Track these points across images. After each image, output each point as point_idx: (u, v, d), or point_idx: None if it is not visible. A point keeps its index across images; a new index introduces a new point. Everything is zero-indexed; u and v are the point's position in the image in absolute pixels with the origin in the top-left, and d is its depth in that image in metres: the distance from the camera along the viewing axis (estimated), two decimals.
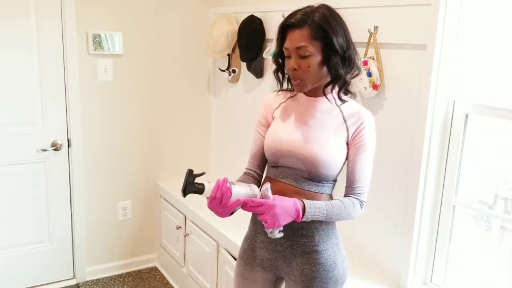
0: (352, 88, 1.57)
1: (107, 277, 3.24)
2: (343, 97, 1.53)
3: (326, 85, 1.50)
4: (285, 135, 1.54)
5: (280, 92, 1.66)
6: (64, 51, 2.82)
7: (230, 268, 2.35)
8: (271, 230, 1.40)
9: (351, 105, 1.54)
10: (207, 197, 1.41)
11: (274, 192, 1.44)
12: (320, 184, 1.53)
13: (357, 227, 2.14)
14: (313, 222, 1.51)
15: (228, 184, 1.39)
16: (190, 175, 1.39)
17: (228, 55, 2.98)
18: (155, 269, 3.39)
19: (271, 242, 1.58)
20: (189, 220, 2.86)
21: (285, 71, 1.57)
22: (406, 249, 1.96)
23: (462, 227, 1.96)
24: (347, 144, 1.52)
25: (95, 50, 2.90)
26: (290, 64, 1.46)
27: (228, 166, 3.25)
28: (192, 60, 3.26)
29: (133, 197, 3.26)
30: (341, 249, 1.59)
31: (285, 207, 1.39)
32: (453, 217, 1.92)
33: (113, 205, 3.19)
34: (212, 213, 1.43)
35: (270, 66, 2.58)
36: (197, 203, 2.50)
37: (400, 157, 1.97)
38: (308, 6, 1.47)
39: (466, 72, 1.83)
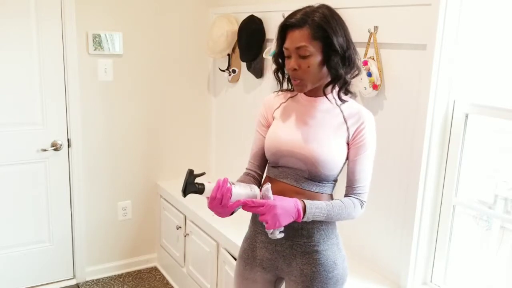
0: (352, 88, 1.58)
1: (107, 277, 3.24)
2: (343, 97, 1.53)
3: (326, 85, 1.50)
4: (285, 135, 1.54)
5: (281, 92, 1.66)
6: (64, 51, 2.82)
7: (230, 268, 2.35)
8: (272, 230, 1.40)
9: (351, 105, 1.54)
10: (207, 197, 1.41)
11: (274, 192, 1.44)
12: (320, 184, 1.53)
13: (357, 227, 2.14)
14: (313, 222, 1.51)
15: (229, 185, 1.39)
16: (191, 175, 1.39)
17: (228, 55, 2.98)
18: (155, 269, 3.39)
19: (271, 242, 1.58)
20: (189, 220, 2.86)
21: (285, 71, 1.57)
22: (406, 249, 1.96)
23: (462, 227, 1.96)
24: (348, 144, 1.52)
25: (95, 50, 2.90)
26: (290, 64, 1.46)
27: (228, 166, 3.25)
28: (192, 60, 3.26)
29: (133, 197, 3.26)
30: (341, 249, 1.59)
31: (286, 208, 1.39)
32: (453, 217, 1.92)
33: (113, 205, 3.19)
34: (212, 213, 1.43)
35: (270, 66, 2.58)
36: (197, 203, 2.50)
37: (400, 157, 1.97)
38: (308, 6, 1.47)
39: (466, 72, 1.83)
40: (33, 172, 2.89)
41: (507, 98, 1.74)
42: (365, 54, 2.01)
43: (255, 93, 2.86)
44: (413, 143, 1.90)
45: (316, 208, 1.44)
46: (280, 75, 1.59)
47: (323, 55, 1.44)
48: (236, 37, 2.85)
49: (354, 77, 1.54)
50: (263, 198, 1.42)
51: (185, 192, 1.40)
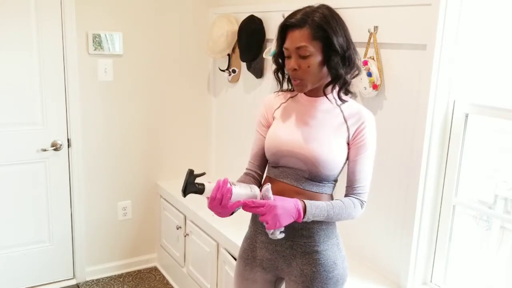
0: (352, 88, 1.58)
1: (107, 277, 3.24)
2: (343, 97, 1.53)
3: (327, 85, 1.50)
4: (286, 135, 1.54)
5: (281, 93, 1.66)
6: (64, 51, 2.82)
7: (230, 268, 2.35)
8: (272, 231, 1.40)
9: (351, 105, 1.54)
10: (207, 198, 1.41)
11: (274, 192, 1.44)
12: (320, 184, 1.53)
13: (357, 227, 2.14)
14: (313, 222, 1.50)
15: (229, 185, 1.39)
16: (191, 175, 1.39)
17: (228, 55, 2.98)
18: (155, 269, 3.39)
19: (271, 242, 1.58)
20: (189, 220, 2.86)
21: (285, 71, 1.57)
22: (406, 249, 1.96)
23: (462, 227, 1.96)
24: (348, 144, 1.52)
25: (95, 50, 2.90)
26: (290, 64, 1.46)
27: (228, 166, 3.25)
28: (192, 60, 3.26)
29: (133, 197, 3.26)
30: (341, 250, 1.59)
31: (286, 208, 1.39)
32: (453, 217, 1.92)
33: (113, 205, 3.19)
34: (212, 213, 1.43)
35: (270, 66, 2.58)
36: (197, 203, 2.50)
37: (400, 157, 1.97)
38: (308, 6, 1.47)
39: (466, 72, 1.83)
40: (33, 172, 2.89)
41: (507, 98, 1.74)
42: (365, 54, 2.01)
43: (255, 93, 2.86)
44: (413, 143, 1.90)
45: (316, 208, 1.44)
46: (280, 75, 1.59)
47: (323, 55, 1.44)
48: (236, 37, 2.85)
49: (354, 77, 1.54)
50: (263, 199, 1.41)
51: (185, 192, 1.39)
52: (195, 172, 1.40)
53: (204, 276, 2.72)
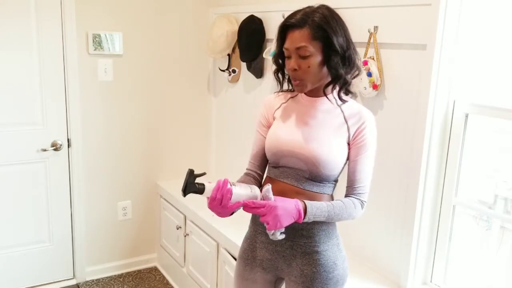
0: (353, 88, 1.58)
1: (107, 277, 3.24)
2: (344, 97, 1.53)
3: (327, 85, 1.50)
4: (286, 135, 1.54)
5: (281, 93, 1.66)
6: (64, 51, 2.83)
7: (230, 268, 2.35)
8: (273, 231, 1.39)
9: (351, 105, 1.54)
10: (208, 197, 1.41)
11: (275, 192, 1.44)
12: (321, 184, 1.53)
13: (357, 227, 2.14)
14: (313, 222, 1.50)
15: (229, 185, 1.39)
16: (191, 175, 1.39)
17: (228, 55, 2.98)
18: (155, 269, 3.39)
19: (271, 242, 1.58)
20: (189, 220, 2.86)
21: (286, 72, 1.57)
22: (406, 249, 1.96)
23: (462, 227, 1.96)
24: (348, 144, 1.52)
25: (95, 50, 2.90)
26: (290, 64, 1.46)
27: (228, 166, 3.25)
28: (192, 60, 3.26)
29: (133, 197, 3.26)
30: (341, 250, 1.59)
31: (287, 208, 1.39)
32: (453, 217, 1.92)
33: (113, 205, 3.19)
34: (212, 213, 1.43)
35: (270, 66, 2.58)
36: (197, 203, 2.50)
37: (400, 157, 1.97)
38: (308, 7, 1.47)
39: (466, 72, 1.83)
40: (33, 172, 2.89)
41: (507, 98, 1.74)
42: (365, 54, 2.01)
43: (255, 93, 2.86)
44: (413, 143, 1.90)
45: (317, 209, 1.44)
46: (280, 75, 1.59)
47: (323, 55, 1.44)
48: (236, 37, 2.85)
49: (354, 77, 1.54)
50: (263, 199, 1.41)
51: (185, 192, 1.39)
52: (195, 172, 1.40)
53: (204, 276, 2.72)
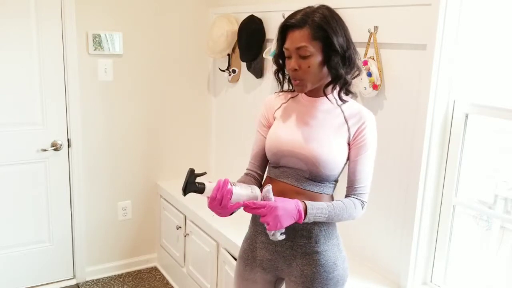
0: (353, 88, 1.58)
1: (107, 277, 3.24)
2: (344, 97, 1.53)
3: (327, 85, 1.50)
4: (286, 135, 1.54)
5: (281, 93, 1.66)
6: (64, 51, 2.83)
7: (230, 268, 2.35)
8: (273, 232, 1.39)
9: (352, 105, 1.54)
10: (208, 197, 1.41)
11: (275, 193, 1.44)
12: (321, 184, 1.53)
13: (357, 227, 2.14)
14: (313, 223, 1.50)
15: (229, 186, 1.39)
16: (191, 175, 1.39)
17: (228, 55, 2.98)
18: (155, 269, 3.39)
19: (271, 242, 1.58)
20: (189, 220, 2.86)
21: (286, 72, 1.57)
22: (406, 249, 1.96)
23: (462, 227, 1.96)
24: (348, 144, 1.52)
25: (95, 50, 2.90)
26: (291, 64, 1.46)
27: (228, 166, 3.25)
28: (192, 60, 3.26)
29: (133, 197, 3.26)
30: (341, 250, 1.59)
31: (287, 209, 1.39)
32: (453, 217, 1.92)
33: (113, 205, 3.19)
34: (212, 213, 1.43)
35: (270, 66, 2.58)
36: (197, 203, 2.50)
37: (400, 157, 1.97)
38: (308, 7, 1.47)
39: (466, 72, 1.83)
40: (33, 172, 2.89)
41: (507, 98, 1.74)
42: (365, 54, 2.01)
43: (255, 93, 2.86)
44: (413, 143, 1.90)
45: (317, 209, 1.44)
46: (280, 75, 1.59)
47: (323, 55, 1.44)
48: (236, 37, 2.85)
49: (354, 77, 1.54)
50: (264, 199, 1.41)
51: (185, 191, 1.39)
52: (195, 172, 1.40)
53: (204, 276, 2.72)
